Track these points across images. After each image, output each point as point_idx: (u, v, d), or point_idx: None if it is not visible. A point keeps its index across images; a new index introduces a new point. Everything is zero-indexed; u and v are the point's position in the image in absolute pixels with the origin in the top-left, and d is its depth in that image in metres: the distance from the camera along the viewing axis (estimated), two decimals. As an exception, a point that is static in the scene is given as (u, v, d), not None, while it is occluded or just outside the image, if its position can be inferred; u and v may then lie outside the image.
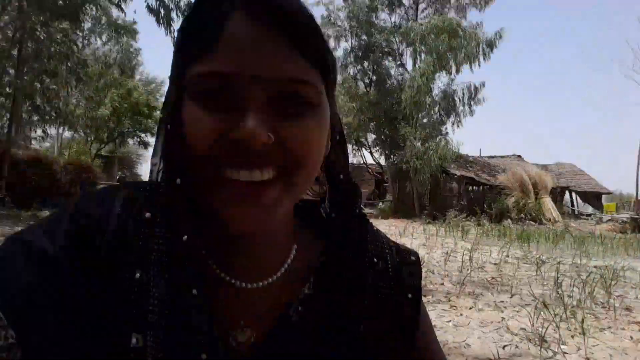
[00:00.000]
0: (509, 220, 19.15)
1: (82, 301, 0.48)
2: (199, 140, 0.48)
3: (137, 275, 0.50)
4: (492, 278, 6.38)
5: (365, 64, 24.16)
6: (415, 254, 0.69)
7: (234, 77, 0.47)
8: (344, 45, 23.88)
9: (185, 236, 0.51)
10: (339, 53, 23.94)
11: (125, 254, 0.51)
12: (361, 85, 24.50)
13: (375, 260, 0.63)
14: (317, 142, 0.52)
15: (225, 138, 0.47)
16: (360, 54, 23.91)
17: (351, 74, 24.15)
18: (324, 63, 0.52)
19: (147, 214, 0.53)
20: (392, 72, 24.37)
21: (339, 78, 23.99)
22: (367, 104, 23.34)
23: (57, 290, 0.47)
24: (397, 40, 23.42)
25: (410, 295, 0.64)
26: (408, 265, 0.66)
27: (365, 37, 23.65)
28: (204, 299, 0.51)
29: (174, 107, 0.51)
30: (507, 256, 8.32)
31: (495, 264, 7.64)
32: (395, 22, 23.86)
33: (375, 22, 23.70)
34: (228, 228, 0.49)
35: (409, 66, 23.28)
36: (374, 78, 24.17)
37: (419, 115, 21.29)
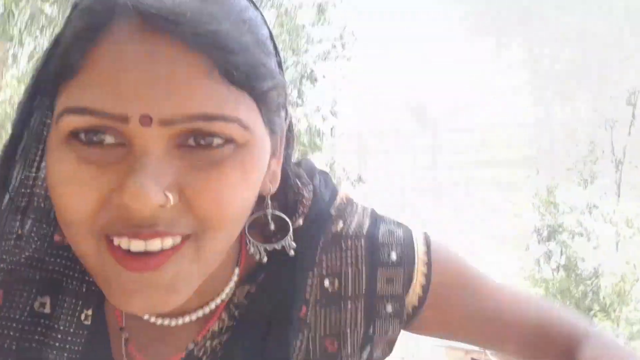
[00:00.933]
0: None
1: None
2: (77, 203, 0.35)
3: (47, 304, 0.45)
4: None
5: (551, 245, 22.13)
6: (404, 243, 0.51)
7: (116, 116, 0.33)
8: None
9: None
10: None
11: (39, 273, 0.46)
12: (546, 269, 22.10)
13: (325, 283, 0.49)
14: (239, 198, 0.38)
15: (111, 201, 0.35)
16: (545, 234, 22.09)
17: (534, 257, 22.08)
18: (255, 82, 0.37)
19: (57, 236, 0.46)
20: (585, 256, 21.57)
21: (519, 263, 22.03)
22: (553, 291, 20.95)
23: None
24: (592, 220, 21.70)
25: (389, 309, 0.50)
26: (384, 267, 0.50)
27: (550, 217, 22.02)
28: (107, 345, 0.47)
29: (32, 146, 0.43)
30: None
31: None
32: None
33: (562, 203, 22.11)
34: None
35: (609, 250, 20.56)
36: (562, 262, 21.73)
37: (623, 308, 17.92)
